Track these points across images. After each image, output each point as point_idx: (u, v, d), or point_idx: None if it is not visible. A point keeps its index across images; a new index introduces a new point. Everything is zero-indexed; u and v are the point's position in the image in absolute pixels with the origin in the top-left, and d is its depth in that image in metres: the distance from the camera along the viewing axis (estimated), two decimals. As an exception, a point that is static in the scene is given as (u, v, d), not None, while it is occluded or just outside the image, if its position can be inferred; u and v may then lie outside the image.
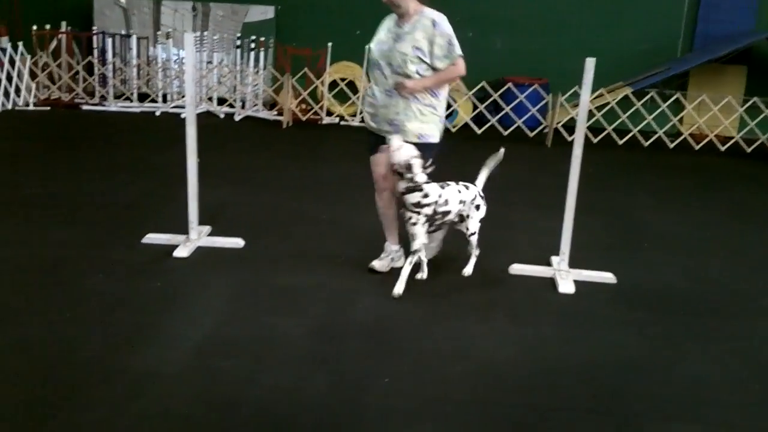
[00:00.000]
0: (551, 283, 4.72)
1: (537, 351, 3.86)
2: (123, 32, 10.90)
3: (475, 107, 9.86)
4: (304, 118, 9.86)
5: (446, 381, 3.50)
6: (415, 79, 4.41)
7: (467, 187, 4.68)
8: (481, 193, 4.76)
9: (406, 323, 4.10)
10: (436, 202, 4.45)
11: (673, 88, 9.81)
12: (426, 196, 4.41)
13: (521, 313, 4.32)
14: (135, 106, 10.40)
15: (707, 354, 3.92)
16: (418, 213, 4.43)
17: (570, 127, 9.02)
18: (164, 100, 10.59)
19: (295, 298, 4.34)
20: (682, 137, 9.53)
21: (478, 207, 4.70)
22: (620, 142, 9.33)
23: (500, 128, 9.61)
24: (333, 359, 3.66)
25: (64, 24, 10.60)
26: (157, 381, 3.37)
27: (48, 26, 10.38)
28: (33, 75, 10.21)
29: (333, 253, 5.08)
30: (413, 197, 4.40)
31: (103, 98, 10.54)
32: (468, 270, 4.78)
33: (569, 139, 8.87)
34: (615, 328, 4.17)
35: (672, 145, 9.40)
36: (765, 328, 4.32)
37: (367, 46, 9.85)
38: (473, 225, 4.71)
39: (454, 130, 9.68)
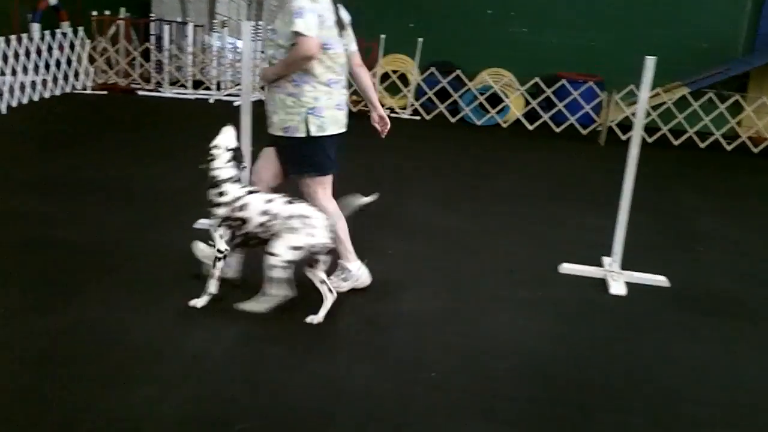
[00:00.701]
0: (602, 284, 4.66)
1: (587, 352, 3.81)
2: (179, 20, 11.04)
3: (527, 103, 9.77)
4: (355, 109, 9.87)
5: (494, 377, 3.48)
6: (271, 65, 4.04)
7: (291, 203, 3.86)
8: (311, 217, 3.81)
9: (454, 318, 4.09)
10: (231, 204, 3.83)
11: (732, 89, 9.58)
12: (222, 194, 3.85)
13: (571, 313, 4.27)
14: (189, 93, 10.53)
15: (762, 360, 3.83)
16: (214, 213, 3.88)
17: (624, 125, 8.88)
18: (218, 88, 10.69)
19: (344, 288, 4.35)
20: (740, 140, 9.30)
21: (293, 229, 3.77)
22: (676, 143, 9.15)
23: (552, 125, 9.50)
24: (380, 350, 3.66)
25: (122, 10, 10.78)
26: (207, 363, 3.42)
27: (107, 12, 10.57)
28: (91, 59, 10.41)
29: (381, 243, 5.09)
30: (212, 193, 3.88)
31: (159, 84, 10.69)
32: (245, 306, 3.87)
33: (623, 138, 8.73)
34: (667, 332, 4.10)
35: (729, 148, 9.19)
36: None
37: (419, 39, 9.82)
38: (278, 246, 3.74)
39: (505, 125, 9.61)
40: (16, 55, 8.65)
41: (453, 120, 9.65)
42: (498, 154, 8.31)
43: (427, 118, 9.73)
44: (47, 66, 9.38)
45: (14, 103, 8.56)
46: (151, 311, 3.90)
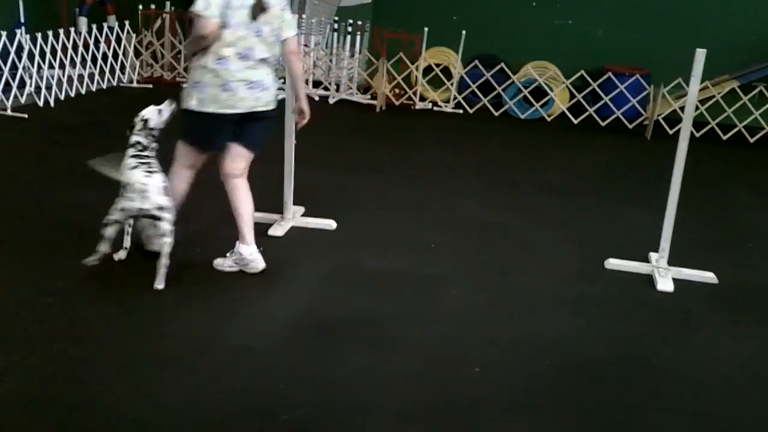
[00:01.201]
0: (649, 280, 4.58)
1: (634, 349, 3.75)
2: (224, 13, 11.12)
3: (572, 96, 9.64)
4: (397, 103, 9.85)
5: (539, 374, 3.44)
6: None
7: (134, 168, 4.10)
8: (135, 183, 4.04)
9: (497, 313, 4.06)
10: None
11: (783, 83, 9.33)
12: (124, 155, 4.23)
13: (617, 309, 4.21)
14: (232, 86, 10.61)
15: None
16: None
17: (671, 119, 8.72)
18: (261, 81, 10.75)
19: (386, 281, 4.35)
20: (791, 134, 9.06)
21: (123, 192, 4.09)
22: (724, 137, 8.95)
23: (598, 119, 9.36)
24: (422, 344, 3.65)
25: (168, 4, 10.89)
26: (251, 355, 3.44)
27: (153, 6, 10.69)
28: (137, 53, 10.54)
29: (424, 237, 5.07)
30: None
31: (203, 78, 10.79)
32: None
33: (670, 132, 8.57)
34: (715, 330, 4.02)
35: (780, 142, 8.96)
36: None
37: (462, 31, 9.76)
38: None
39: (549, 119, 9.49)
40: (64, 49, 8.79)
41: (496, 113, 9.57)
42: (542, 148, 8.22)
43: (470, 111, 9.66)
44: (94, 60, 9.51)
45: (62, 96, 8.71)
46: (194, 302, 3.94)
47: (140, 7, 10.55)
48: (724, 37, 9.83)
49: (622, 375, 3.49)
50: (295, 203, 5.22)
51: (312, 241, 4.91)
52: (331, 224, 5.13)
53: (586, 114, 9.40)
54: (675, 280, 4.53)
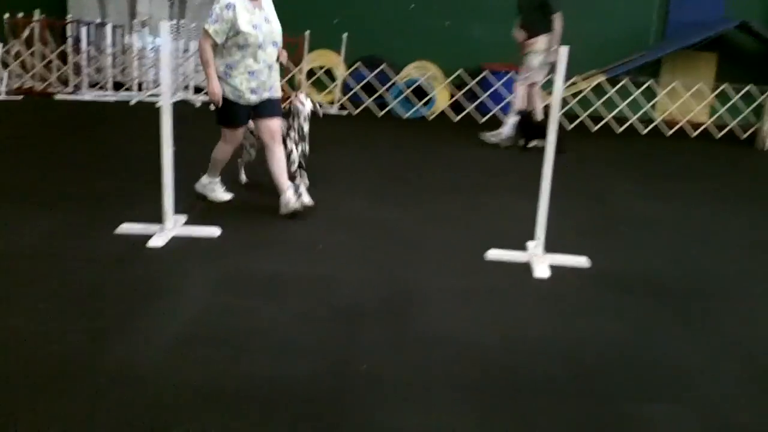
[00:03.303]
0: (527, 268, 4.77)
1: (517, 335, 3.89)
2: (98, 20, 10.81)
3: (452, 95, 9.90)
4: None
5: (428, 366, 3.53)
6: None
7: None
8: None
9: (386, 310, 4.13)
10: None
11: (646, 75, 9.90)
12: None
13: (499, 298, 4.36)
14: (110, 95, 10.33)
15: (685, 335, 3.98)
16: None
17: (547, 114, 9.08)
18: (140, 89, 10.51)
19: (274, 286, 4.35)
20: (654, 123, 9.63)
21: None
22: (594, 129, 9.40)
23: (477, 116, 9.64)
24: (313, 347, 3.67)
25: (37, 12, 10.49)
26: (139, 370, 3.37)
27: (21, 14, 10.27)
28: (4, 64, 10.09)
29: (310, 240, 5.10)
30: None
31: (77, 87, 10.45)
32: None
33: (545, 126, 8.93)
34: (591, 311, 4.23)
35: (645, 131, 9.49)
36: (743, 309, 4.38)
37: (302, 32, 9.84)
38: None
39: (430, 118, 9.70)
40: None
41: (380, 114, 9.70)
42: (425, 147, 8.40)
43: (354, 113, 9.75)
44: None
45: (-76, 111, 8.26)
46: (77, 319, 3.83)
47: (6, 14, 10.11)
48: (594, 35, 10.34)
49: (509, 361, 3.60)
50: (177, 212, 5.15)
51: (196, 249, 4.86)
52: (214, 232, 5.08)
53: (465, 112, 9.66)
54: (551, 267, 4.75)
